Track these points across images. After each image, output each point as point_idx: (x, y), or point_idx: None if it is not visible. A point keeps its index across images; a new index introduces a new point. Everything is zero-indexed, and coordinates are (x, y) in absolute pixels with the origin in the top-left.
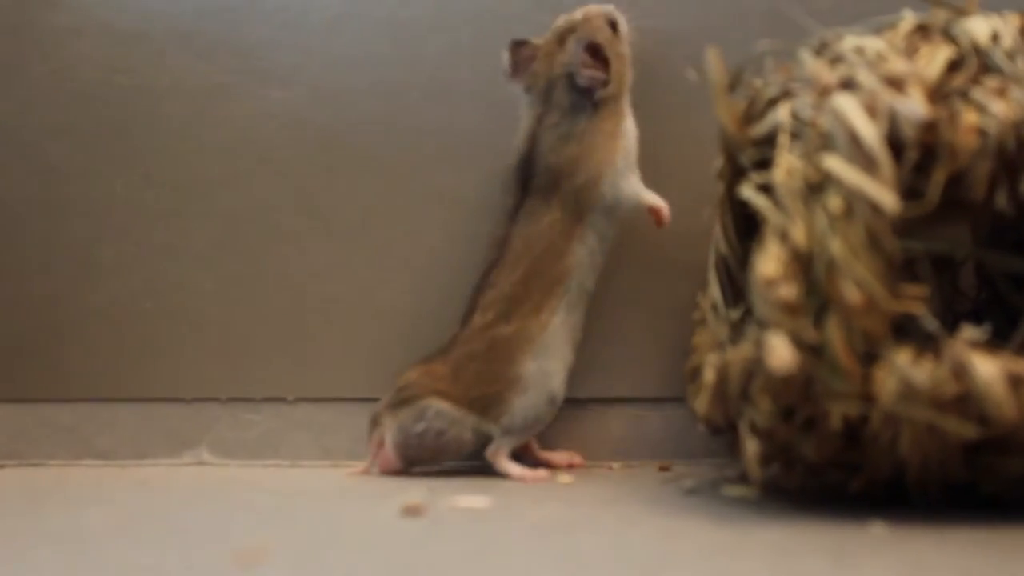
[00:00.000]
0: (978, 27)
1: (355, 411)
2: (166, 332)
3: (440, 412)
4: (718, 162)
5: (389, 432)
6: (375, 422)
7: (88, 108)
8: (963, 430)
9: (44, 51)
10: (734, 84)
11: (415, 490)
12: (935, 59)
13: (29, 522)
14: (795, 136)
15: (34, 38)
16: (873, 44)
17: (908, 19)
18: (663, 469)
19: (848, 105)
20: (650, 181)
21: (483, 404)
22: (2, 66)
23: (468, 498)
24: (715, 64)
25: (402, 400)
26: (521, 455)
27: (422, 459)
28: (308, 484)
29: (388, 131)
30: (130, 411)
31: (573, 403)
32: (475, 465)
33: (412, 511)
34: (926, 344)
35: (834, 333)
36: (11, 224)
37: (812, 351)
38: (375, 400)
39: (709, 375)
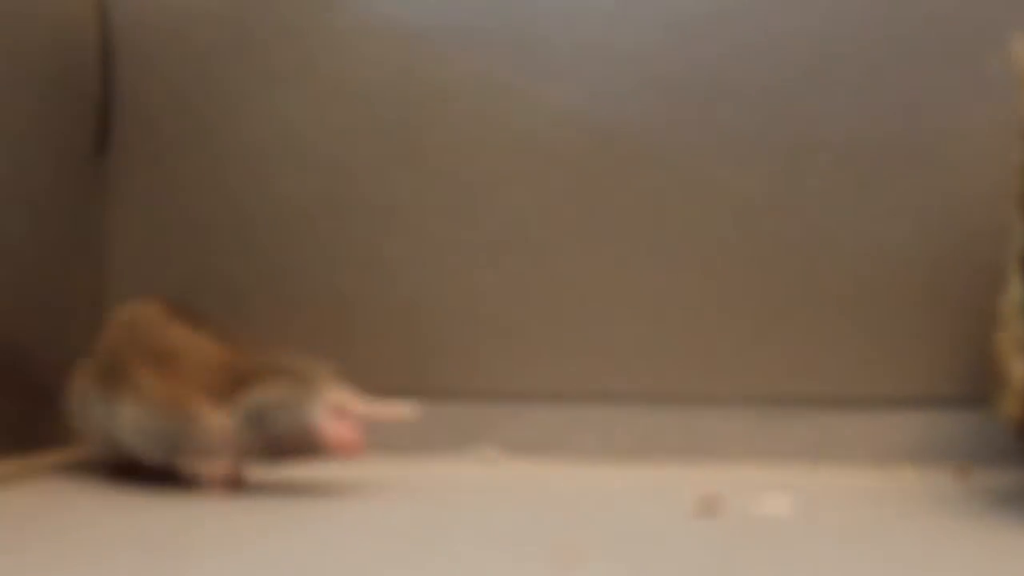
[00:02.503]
0: None
1: (640, 408)
2: (450, 327)
3: None
4: (1018, 154)
5: None
6: None
7: (373, 107)
8: None
9: (329, 53)
10: None
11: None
12: None
13: (325, 516)
14: None
15: (320, 41)
16: None
17: None
18: (960, 475)
19: None
20: (942, 175)
21: None
22: (290, 69)
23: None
24: (1021, 51)
25: None
26: None
27: None
28: (596, 483)
29: (669, 128)
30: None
31: (862, 402)
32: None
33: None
34: None
35: None
36: (300, 223)
37: None
38: (661, 398)
39: (1018, 377)
